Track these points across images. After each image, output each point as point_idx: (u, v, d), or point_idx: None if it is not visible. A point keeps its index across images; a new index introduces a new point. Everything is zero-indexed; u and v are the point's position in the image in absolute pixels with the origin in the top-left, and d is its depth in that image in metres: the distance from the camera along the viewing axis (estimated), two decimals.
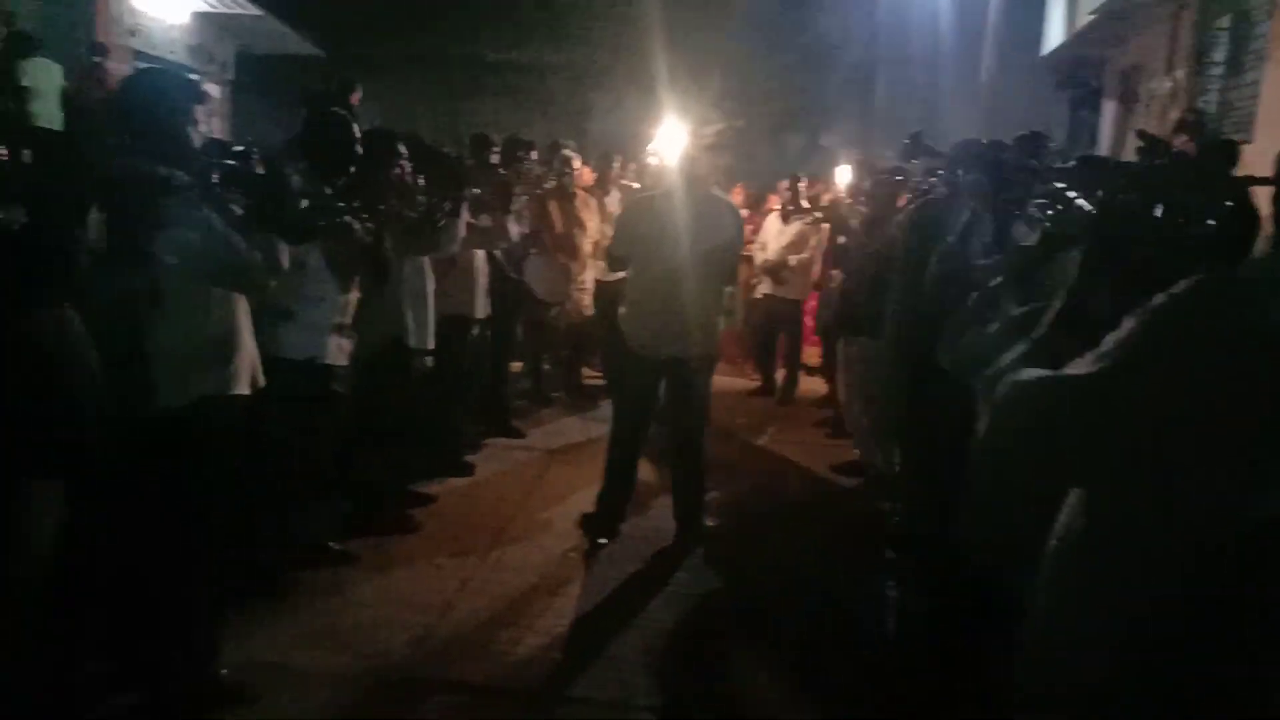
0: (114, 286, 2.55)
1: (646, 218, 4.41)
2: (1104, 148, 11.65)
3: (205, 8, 12.20)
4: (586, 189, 6.97)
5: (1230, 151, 4.45)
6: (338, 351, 3.87)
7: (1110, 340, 1.26)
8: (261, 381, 3.09)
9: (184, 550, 2.93)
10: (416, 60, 19.69)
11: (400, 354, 4.53)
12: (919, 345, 4.14)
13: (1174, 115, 9.78)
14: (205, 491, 2.91)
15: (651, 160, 6.95)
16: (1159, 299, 1.25)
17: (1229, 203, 1.44)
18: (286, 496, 3.90)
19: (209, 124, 12.64)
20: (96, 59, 9.21)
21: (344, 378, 4.19)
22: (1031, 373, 1.38)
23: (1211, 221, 1.44)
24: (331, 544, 4.17)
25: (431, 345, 4.72)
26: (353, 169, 3.86)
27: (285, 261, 3.06)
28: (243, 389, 2.98)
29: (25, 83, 8.40)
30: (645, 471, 5.06)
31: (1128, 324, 1.26)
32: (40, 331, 2.37)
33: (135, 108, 2.79)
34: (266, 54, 14.94)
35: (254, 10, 12.26)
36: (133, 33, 11.03)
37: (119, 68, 10.19)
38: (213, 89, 13.69)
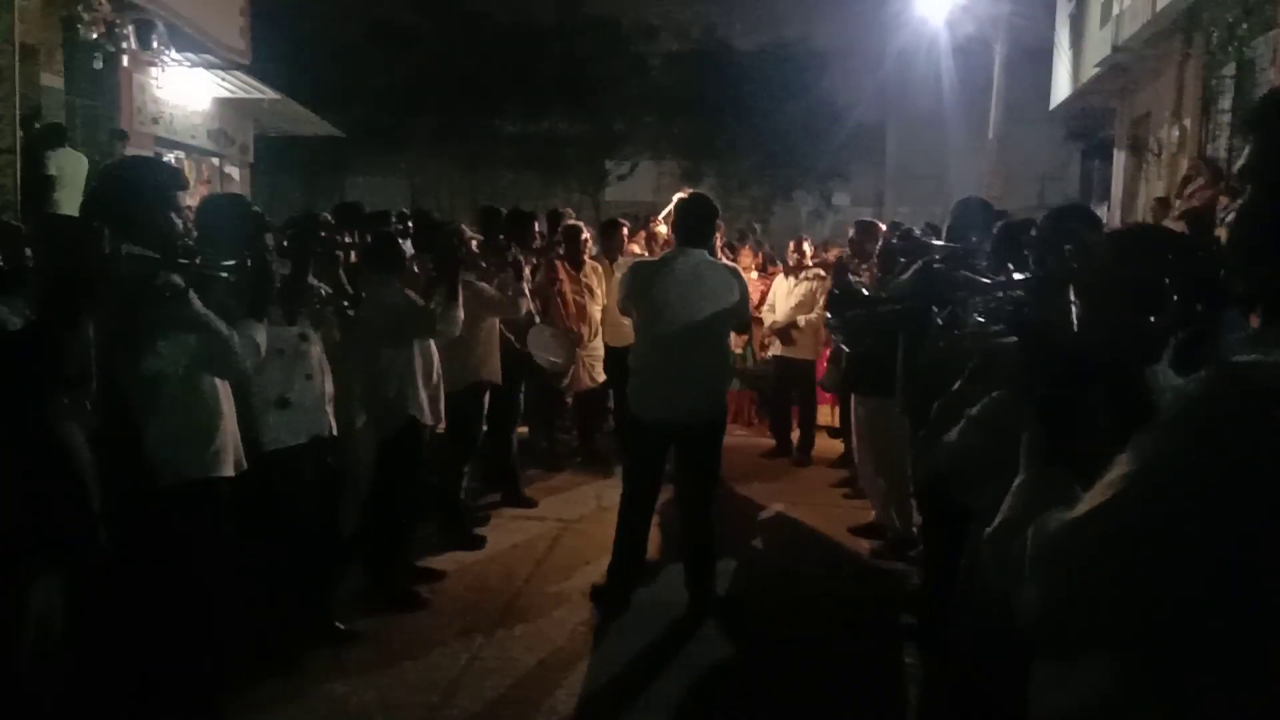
0: (104, 374, 2.57)
1: (647, 284, 4.42)
2: (1116, 197, 11.65)
3: (225, 94, 12.55)
4: (594, 257, 7.02)
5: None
6: (331, 423, 3.90)
7: (1134, 457, 1.07)
8: (244, 465, 3.10)
9: (180, 632, 2.92)
10: (435, 136, 20.12)
11: (415, 433, 4.54)
12: (927, 405, 4.11)
13: (1183, 163, 9.80)
14: (196, 574, 2.90)
15: (660, 228, 7.00)
16: (1183, 392, 1.08)
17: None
18: (294, 576, 3.90)
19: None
20: (119, 145, 9.47)
21: (346, 450, 4.24)
22: (1050, 519, 1.15)
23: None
24: (338, 624, 4.13)
25: (443, 423, 4.73)
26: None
27: (263, 344, 3.07)
28: (227, 471, 2.98)
29: (52, 172, 8.70)
30: (658, 540, 5.01)
31: (1150, 433, 1.07)
32: (49, 428, 2.39)
33: (116, 196, 2.83)
34: (285, 135, 15.32)
35: (272, 94, 12.60)
36: (155, 120, 11.37)
37: (143, 154, 10.52)
38: (233, 171, 14.06)
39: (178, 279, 2.68)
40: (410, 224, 6.64)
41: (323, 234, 4.39)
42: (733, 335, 6.67)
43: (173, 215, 2.83)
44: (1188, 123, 10.14)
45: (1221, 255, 1.35)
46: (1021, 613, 1.15)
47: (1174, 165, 10.24)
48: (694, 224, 4.43)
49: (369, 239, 4.83)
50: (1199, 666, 1.08)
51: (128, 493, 2.64)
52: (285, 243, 4.12)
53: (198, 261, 2.82)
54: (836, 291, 5.00)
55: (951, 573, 4.21)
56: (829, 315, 5.11)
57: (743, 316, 4.68)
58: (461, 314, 4.64)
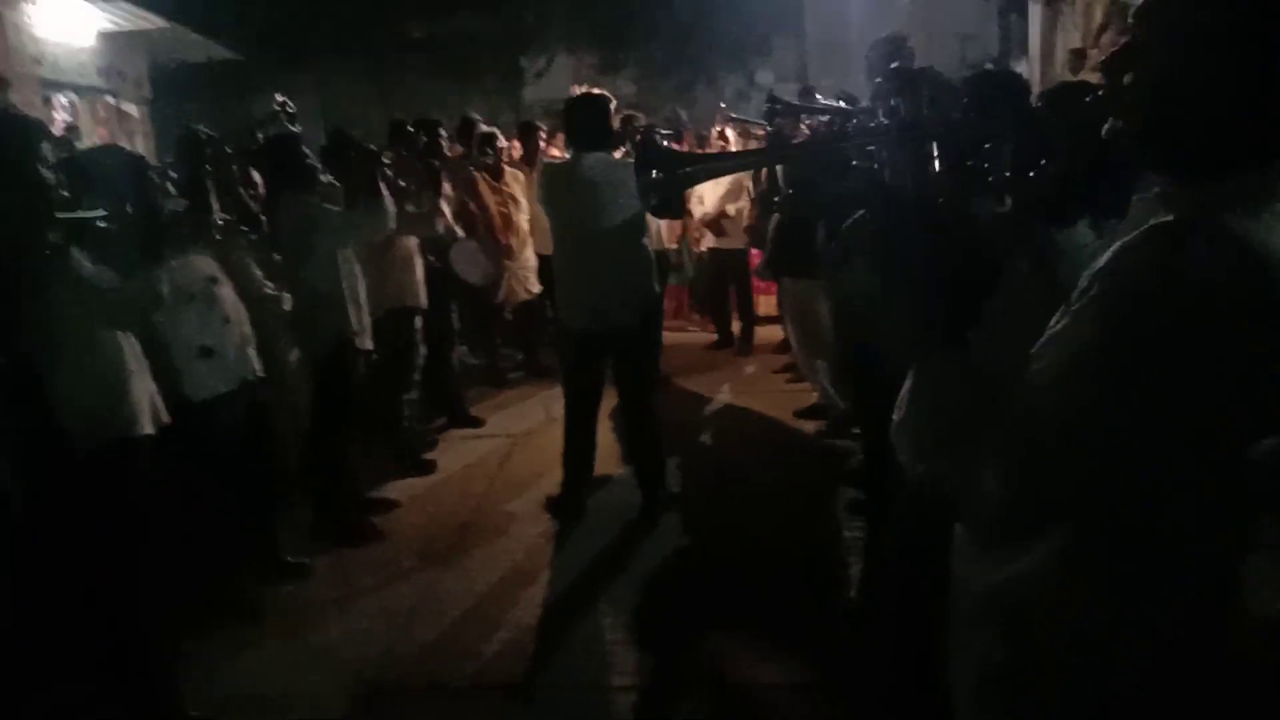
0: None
1: (553, 189, 4.34)
2: (1034, 51, 11.58)
3: (111, 26, 11.83)
4: (514, 164, 6.85)
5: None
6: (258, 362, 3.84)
7: (1077, 332, 1.06)
8: (165, 418, 3.03)
9: (119, 591, 2.89)
10: (338, 48, 19.26)
11: (347, 355, 4.45)
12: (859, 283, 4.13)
13: (1098, 11, 9.74)
14: (128, 533, 2.86)
15: None
16: (1120, 260, 1.06)
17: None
18: (241, 522, 3.88)
19: (131, 144, 12.36)
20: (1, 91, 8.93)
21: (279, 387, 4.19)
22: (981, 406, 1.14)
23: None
24: (295, 559, 4.13)
25: (370, 345, 4.65)
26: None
27: (165, 290, 2.96)
28: (143, 429, 2.91)
29: None
30: (612, 445, 5.04)
31: (1088, 299, 1.07)
32: None
33: None
34: (182, 64, 14.57)
35: (161, 22, 11.90)
36: (38, 61, 10.69)
37: (29, 97, 9.94)
38: (130, 108, 13.38)
39: (54, 235, 2.55)
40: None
41: (209, 152, 4.17)
42: (664, 228, 6.61)
43: (41, 168, 2.66)
44: None
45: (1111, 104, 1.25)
46: (975, 503, 1.15)
47: (1089, 15, 10.17)
48: (585, 127, 4.26)
49: (264, 148, 4.60)
50: (1154, 540, 1.11)
51: (42, 459, 2.57)
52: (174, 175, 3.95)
53: (75, 214, 2.68)
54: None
55: (888, 443, 4.32)
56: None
57: (657, 209, 4.53)
58: (391, 208, 4.50)
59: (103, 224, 2.73)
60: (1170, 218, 1.08)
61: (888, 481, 4.29)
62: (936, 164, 1.36)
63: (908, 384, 1.23)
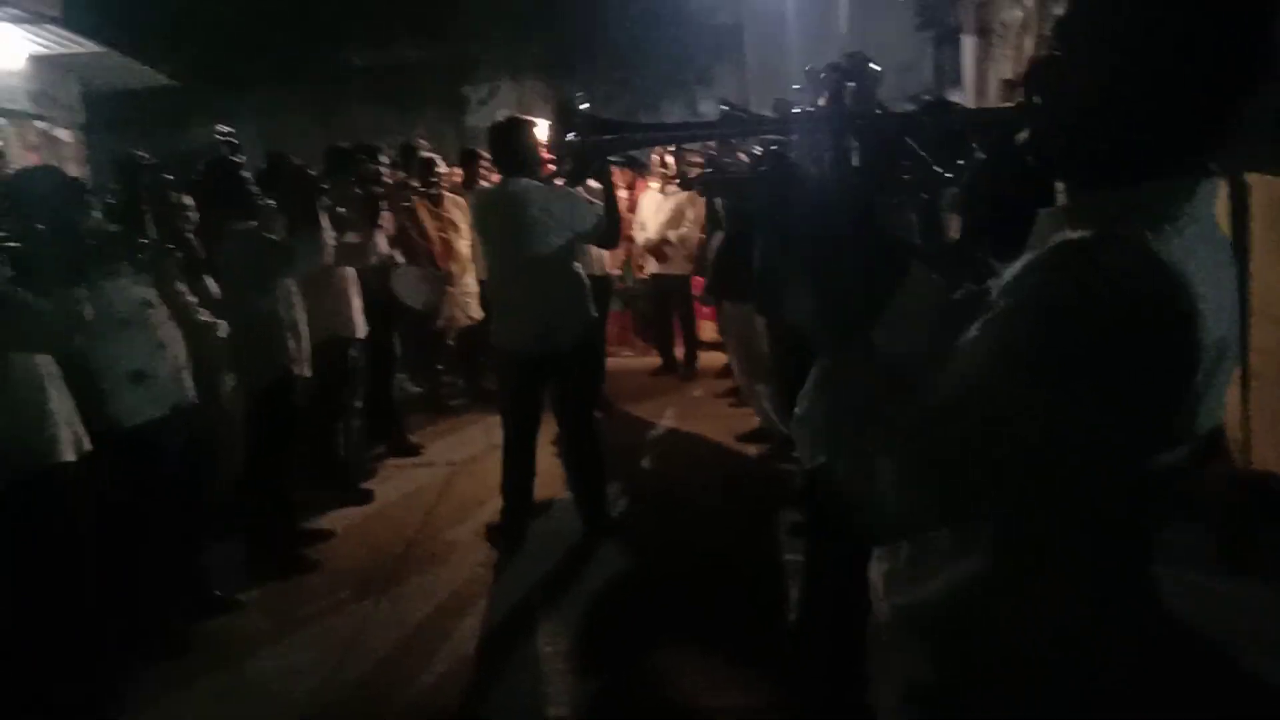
0: None
1: (482, 215, 4.35)
2: (968, 82, 11.88)
3: (42, 50, 11.58)
4: (455, 190, 6.82)
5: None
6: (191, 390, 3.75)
7: (989, 340, 1.06)
8: (88, 445, 2.93)
9: (43, 626, 2.79)
10: (279, 76, 19.08)
11: (284, 384, 4.37)
12: (780, 305, 4.16)
13: (1027, 42, 10.03)
14: (51, 564, 2.76)
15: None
16: (1026, 277, 1.07)
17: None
18: (176, 551, 3.77)
19: (64, 169, 12.06)
20: None
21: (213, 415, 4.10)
22: (887, 406, 1.12)
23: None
24: (218, 593, 4.01)
25: (309, 373, 4.57)
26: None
27: (87, 310, 2.88)
28: (65, 456, 2.81)
29: None
30: (555, 471, 5.00)
31: (995, 314, 1.06)
32: None
33: None
34: (115, 90, 14.30)
35: (94, 47, 11.67)
36: None
37: None
38: (62, 134, 13.10)
39: None
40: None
41: (146, 177, 4.10)
42: (607, 256, 6.62)
43: None
44: (1028, 2, 10.34)
45: (1027, 114, 1.27)
46: (864, 498, 1.13)
47: (1020, 46, 10.46)
48: (511, 152, 4.26)
49: (204, 174, 4.53)
50: (1068, 542, 1.12)
51: None
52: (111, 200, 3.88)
53: None
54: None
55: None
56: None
57: (592, 238, 4.49)
58: (329, 240, 4.44)
59: (16, 244, 2.64)
60: (1077, 233, 1.08)
61: (827, 504, 4.34)
62: (855, 158, 1.36)
63: (810, 378, 1.22)
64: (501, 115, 4.79)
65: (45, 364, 2.83)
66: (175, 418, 3.64)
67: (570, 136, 1.43)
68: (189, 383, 3.75)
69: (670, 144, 5.97)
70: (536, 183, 4.23)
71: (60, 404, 2.87)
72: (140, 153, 4.34)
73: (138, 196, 3.93)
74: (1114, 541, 1.14)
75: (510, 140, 4.27)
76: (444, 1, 18.77)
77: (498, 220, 4.25)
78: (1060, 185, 1.20)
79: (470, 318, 6.67)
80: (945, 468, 1.08)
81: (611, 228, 4.37)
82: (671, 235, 7.00)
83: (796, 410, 1.24)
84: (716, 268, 5.32)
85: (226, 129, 5.69)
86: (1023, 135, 1.21)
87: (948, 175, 1.65)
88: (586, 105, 1.51)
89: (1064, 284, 1.04)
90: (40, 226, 2.75)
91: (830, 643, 2.70)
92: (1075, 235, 1.08)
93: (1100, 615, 1.15)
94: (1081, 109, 1.13)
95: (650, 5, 18.08)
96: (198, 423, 3.87)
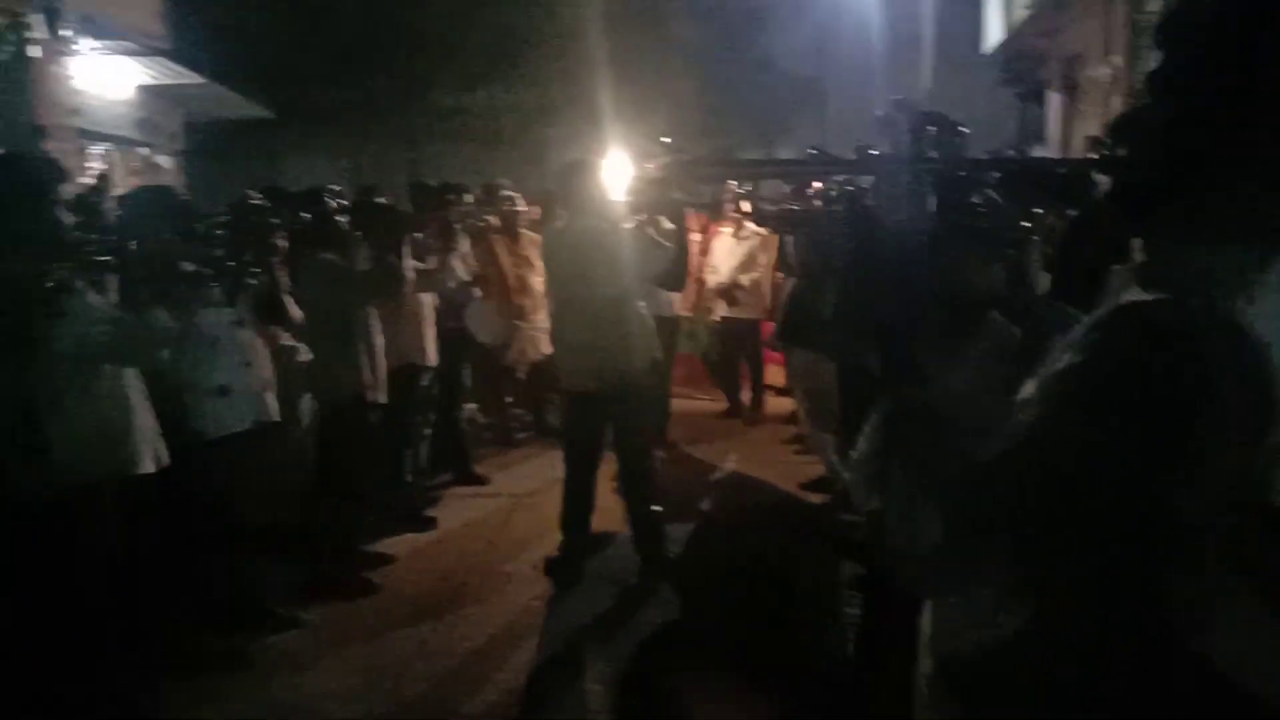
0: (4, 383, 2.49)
1: (549, 252, 4.41)
2: (1053, 139, 11.73)
3: (149, 80, 12.17)
4: (532, 227, 6.93)
5: None
6: (274, 408, 3.86)
7: (1045, 398, 1.05)
8: (165, 459, 3.03)
9: (104, 633, 2.87)
10: (370, 112, 19.72)
11: (359, 410, 4.49)
12: (855, 353, 4.13)
13: (1117, 102, 9.88)
14: (123, 573, 2.84)
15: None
16: (1092, 334, 1.05)
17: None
18: (241, 566, 3.86)
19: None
20: (37, 139, 9.16)
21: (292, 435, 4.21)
22: (940, 455, 1.11)
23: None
24: (287, 612, 4.09)
25: (384, 399, 4.68)
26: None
27: (174, 331, 3.00)
28: (146, 467, 2.91)
29: None
30: (617, 508, 5.00)
31: (1053, 372, 1.06)
32: None
33: None
34: (216, 120, 14.93)
35: (198, 79, 12.23)
36: (76, 111, 10.97)
37: (65, 147, 10.17)
38: (164, 160, 13.69)
39: (66, 273, 2.60)
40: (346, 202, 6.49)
41: (256, 218, 4.28)
42: (676, 298, 6.65)
43: (56, 209, 2.72)
44: (1118, 60, 10.21)
45: (1109, 166, 1.26)
46: (908, 544, 1.11)
47: (1106, 104, 10.32)
48: (576, 192, 4.34)
49: (306, 219, 4.69)
50: (1114, 598, 1.09)
51: (32, 497, 2.57)
52: (218, 230, 4.04)
53: (87, 253, 2.73)
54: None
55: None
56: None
57: (658, 280, 4.47)
58: (409, 273, 4.55)
59: (114, 260, 2.77)
60: (1145, 294, 1.07)
61: (878, 550, 4.25)
62: (932, 204, 1.36)
63: (870, 420, 1.21)
64: (570, 157, 4.88)
65: (131, 378, 2.94)
66: (254, 433, 3.75)
67: (650, 166, 1.46)
68: (272, 401, 3.87)
69: (748, 179, 6.03)
70: (604, 223, 4.30)
71: (144, 418, 2.98)
72: (256, 195, 4.51)
73: (240, 228, 4.11)
74: (1168, 604, 1.10)
75: (577, 181, 4.35)
76: (531, 48, 19.28)
77: (564, 258, 4.32)
78: (1137, 242, 1.18)
79: (540, 353, 6.74)
80: (989, 522, 1.06)
81: (678, 271, 4.38)
82: (743, 279, 7.01)
83: (854, 452, 1.24)
84: (787, 313, 5.31)
85: (335, 188, 5.83)
86: (1104, 187, 1.20)
87: (1030, 226, 1.64)
88: (669, 140, 1.55)
89: (1121, 345, 1.03)
90: (145, 243, 2.87)
91: (876, 692, 2.64)
92: (1142, 295, 1.07)
93: (1149, 678, 1.12)
94: (1163, 164, 1.11)
95: (732, 55, 18.34)
96: (276, 441, 3.98)
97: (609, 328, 4.23)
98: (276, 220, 4.40)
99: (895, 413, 1.19)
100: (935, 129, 1.44)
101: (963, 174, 1.44)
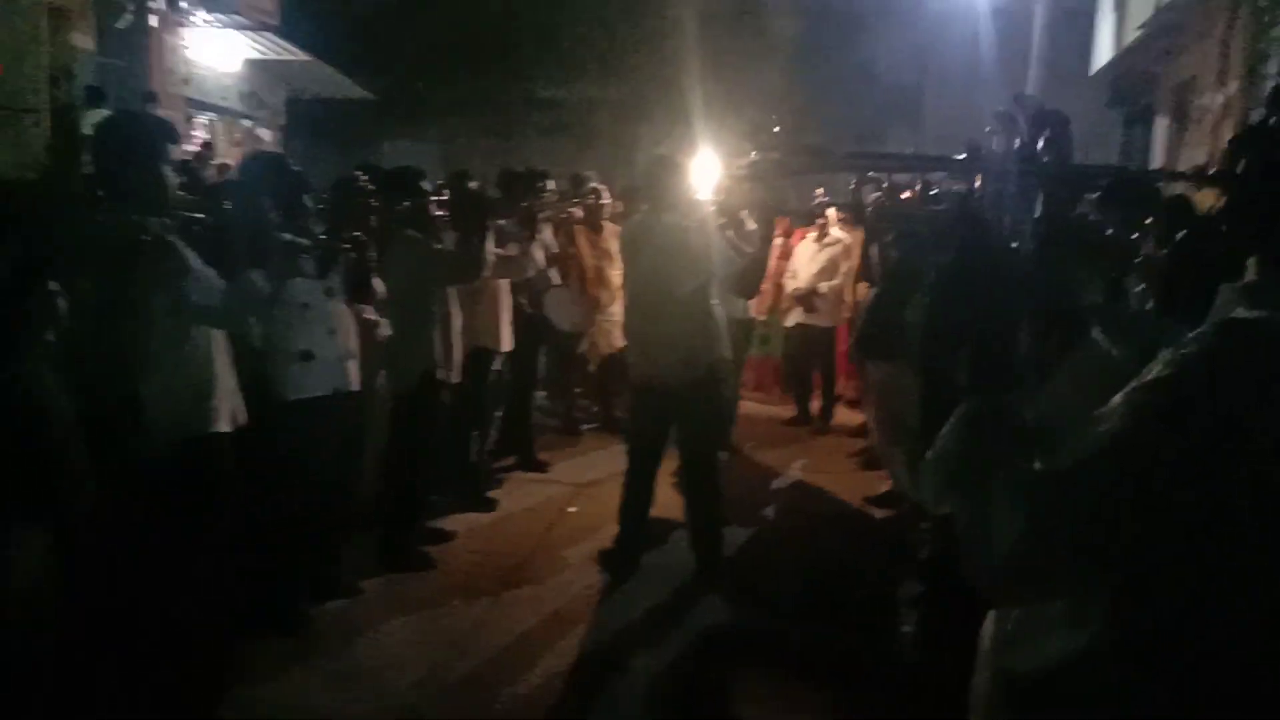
0: (101, 336, 2.59)
1: (626, 247, 4.42)
2: (1155, 166, 11.34)
3: (256, 55, 12.57)
4: (615, 220, 6.97)
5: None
6: (355, 378, 3.95)
7: (1133, 408, 1.03)
8: (243, 418, 3.11)
9: (178, 591, 2.95)
10: (468, 100, 20.04)
11: (431, 388, 4.56)
12: (939, 367, 4.05)
13: (1227, 131, 9.50)
14: (195, 531, 2.93)
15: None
16: (1187, 347, 1.03)
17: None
18: (307, 531, 3.95)
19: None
20: (150, 106, 9.53)
21: (367, 407, 4.29)
22: (1018, 459, 1.10)
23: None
24: (347, 579, 4.18)
25: (457, 379, 4.75)
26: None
27: (267, 295, 3.08)
28: (223, 426, 3.00)
29: (87, 132, 8.80)
30: (674, 504, 5.00)
31: (1142, 383, 1.04)
32: (12, 391, 2.41)
33: (109, 154, 2.84)
34: (317, 98, 15.33)
35: (304, 56, 12.59)
36: (186, 81, 11.40)
37: (173, 115, 10.57)
38: (265, 134, 14.12)
39: (170, 235, 2.68)
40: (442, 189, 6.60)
41: (358, 199, 4.40)
42: (752, 302, 6.61)
43: (165, 170, 2.83)
44: (1233, 88, 9.82)
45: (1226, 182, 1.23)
46: (983, 548, 1.11)
47: (1216, 133, 9.93)
48: (659, 187, 4.34)
49: (398, 198, 4.78)
50: (1186, 617, 1.06)
51: (124, 453, 2.66)
52: (321, 206, 4.15)
53: (190, 216, 2.82)
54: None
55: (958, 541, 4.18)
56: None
57: (731, 283, 4.39)
58: (490, 256, 4.62)
59: (221, 225, 2.84)
60: (1251, 312, 1.04)
61: (947, 557, 4.17)
62: (1039, 207, 1.34)
63: (952, 419, 1.20)
64: (658, 151, 4.88)
65: (217, 338, 3.03)
66: (334, 399, 3.83)
67: (754, 155, 1.46)
68: (354, 371, 3.95)
69: (854, 170, 5.96)
70: (684, 219, 4.29)
71: (225, 378, 3.06)
72: (359, 173, 4.62)
73: (342, 204, 4.22)
74: (1239, 630, 1.06)
75: (661, 176, 4.35)
76: (628, 44, 19.37)
77: (641, 253, 4.32)
78: (1250, 261, 1.15)
79: (613, 345, 6.77)
80: (1065, 529, 1.05)
81: (753, 276, 4.34)
82: (823, 286, 6.94)
83: (930, 451, 1.22)
84: (867, 323, 5.24)
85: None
86: (1219, 203, 1.17)
87: (1135, 240, 1.60)
88: (778, 129, 1.55)
89: (1214, 358, 1.01)
90: (249, 209, 2.95)
91: (929, 702, 2.59)
92: (1246, 314, 1.05)
93: (1220, 698, 1.08)
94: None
95: (830, 57, 18.15)
96: (352, 410, 4.06)
97: (681, 324, 4.22)
98: (374, 201, 4.51)
99: (980, 413, 1.17)
100: (1052, 130, 1.42)
101: (1074, 179, 1.41)
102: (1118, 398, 1.08)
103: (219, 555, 3.13)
